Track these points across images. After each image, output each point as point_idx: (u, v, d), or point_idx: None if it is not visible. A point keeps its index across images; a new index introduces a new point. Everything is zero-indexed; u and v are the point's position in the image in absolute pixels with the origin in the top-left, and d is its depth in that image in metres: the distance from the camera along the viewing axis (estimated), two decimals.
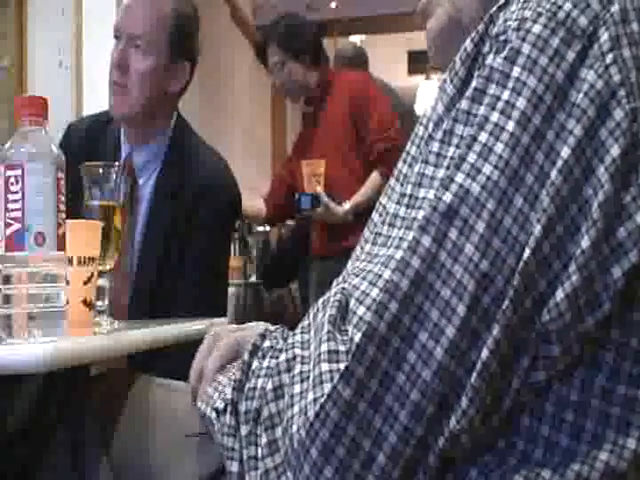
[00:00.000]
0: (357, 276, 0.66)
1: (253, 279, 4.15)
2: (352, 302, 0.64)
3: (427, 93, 6.71)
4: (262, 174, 6.06)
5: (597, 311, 0.60)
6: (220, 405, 0.74)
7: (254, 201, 3.02)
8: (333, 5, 6.42)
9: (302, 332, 0.70)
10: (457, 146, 0.64)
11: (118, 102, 1.75)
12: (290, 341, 0.70)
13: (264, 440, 0.67)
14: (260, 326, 0.83)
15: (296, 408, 0.64)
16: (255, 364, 0.73)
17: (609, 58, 0.62)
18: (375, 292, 0.62)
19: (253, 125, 6.24)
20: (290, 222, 3.53)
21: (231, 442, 0.72)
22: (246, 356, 0.74)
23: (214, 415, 0.74)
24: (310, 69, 2.90)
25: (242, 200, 1.94)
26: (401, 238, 0.64)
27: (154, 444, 1.13)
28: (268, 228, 4.27)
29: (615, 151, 0.60)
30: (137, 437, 1.15)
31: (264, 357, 0.73)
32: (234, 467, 0.71)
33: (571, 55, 0.62)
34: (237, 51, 5.67)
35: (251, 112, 6.19)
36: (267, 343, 0.75)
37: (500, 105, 0.62)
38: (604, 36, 0.62)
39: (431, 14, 0.82)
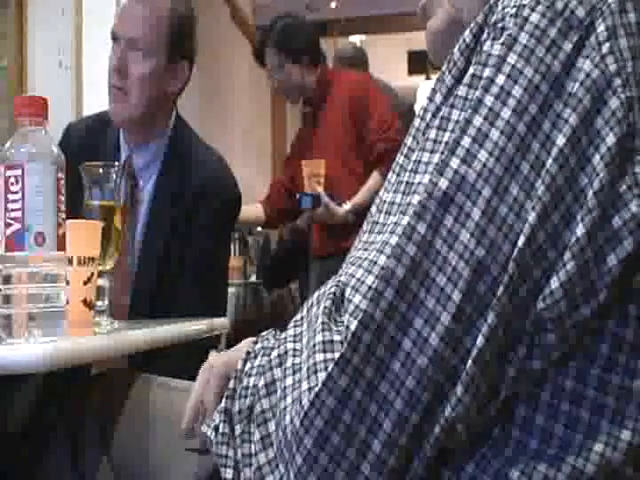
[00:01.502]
0: (353, 264, 0.66)
1: (253, 279, 4.14)
2: (348, 290, 0.64)
3: (427, 93, 6.70)
4: (262, 174, 6.06)
5: (593, 300, 0.60)
6: (217, 420, 0.74)
7: (252, 207, 3.02)
8: (333, 5, 6.41)
9: (294, 326, 0.70)
10: (452, 131, 0.64)
11: (119, 106, 1.74)
12: (282, 336, 0.70)
13: (257, 436, 0.67)
14: (249, 340, 0.82)
15: (289, 399, 0.63)
16: (247, 366, 0.73)
17: (605, 48, 0.62)
18: (371, 279, 0.62)
19: (253, 125, 6.24)
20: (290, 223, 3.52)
21: (224, 450, 0.71)
22: (240, 364, 0.74)
23: (214, 434, 0.73)
24: (308, 70, 2.90)
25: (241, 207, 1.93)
26: (396, 223, 0.64)
27: (154, 444, 1.13)
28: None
29: (610, 140, 0.60)
30: (137, 437, 1.15)
31: (256, 357, 0.73)
32: (228, 474, 0.71)
33: (568, 46, 0.62)
34: (237, 51, 5.67)
35: (251, 112, 6.19)
36: (259, 345, 0.75)
37: (495, 89, 0.62)
38: (601, 27, 0.62)
39: (431, 14, 0.82)
